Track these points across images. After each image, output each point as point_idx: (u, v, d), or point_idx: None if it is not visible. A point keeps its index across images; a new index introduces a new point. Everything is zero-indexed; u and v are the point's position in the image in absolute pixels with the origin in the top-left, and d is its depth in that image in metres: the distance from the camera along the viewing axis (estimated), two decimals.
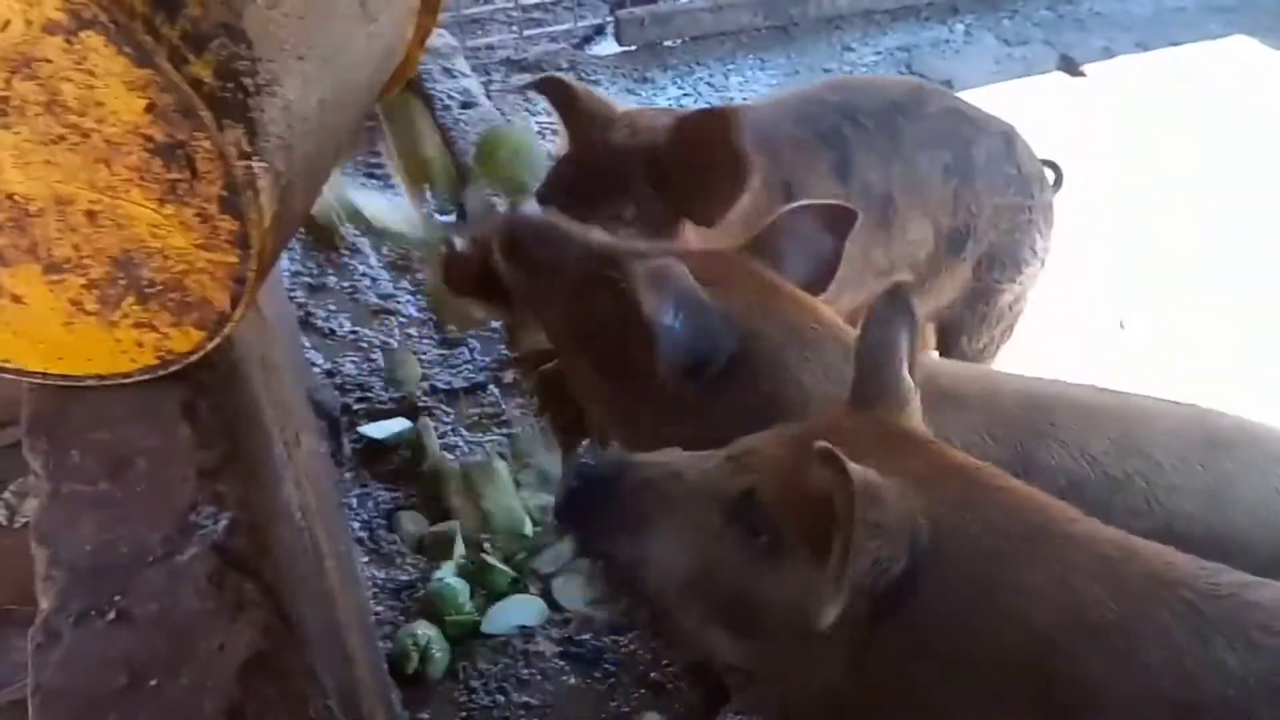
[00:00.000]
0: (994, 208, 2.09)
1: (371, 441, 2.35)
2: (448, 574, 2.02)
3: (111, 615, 0.85)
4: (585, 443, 1.19)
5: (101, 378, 1.00)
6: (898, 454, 0.94)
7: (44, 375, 1.01)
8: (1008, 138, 2.12)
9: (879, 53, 4.10)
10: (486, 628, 1.94)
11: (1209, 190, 3.33)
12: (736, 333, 1.30)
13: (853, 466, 0.89)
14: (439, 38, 3.69)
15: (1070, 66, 3.97)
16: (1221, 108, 3.71)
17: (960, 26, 4.26)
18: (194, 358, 0.99)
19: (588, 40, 4.16)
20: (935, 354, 2.40)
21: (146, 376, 1.00)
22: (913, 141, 2.05)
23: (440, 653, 1.90)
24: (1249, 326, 2.84)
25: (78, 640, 0.84)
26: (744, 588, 0.99)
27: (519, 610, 1.97)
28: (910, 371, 1.09)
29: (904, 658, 0.92)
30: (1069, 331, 2.79)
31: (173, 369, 0.99)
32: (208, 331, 0.97)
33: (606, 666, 1.92)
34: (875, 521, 0.87)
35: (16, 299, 0.95)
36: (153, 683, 0.80)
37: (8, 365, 1.00)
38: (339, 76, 1.00)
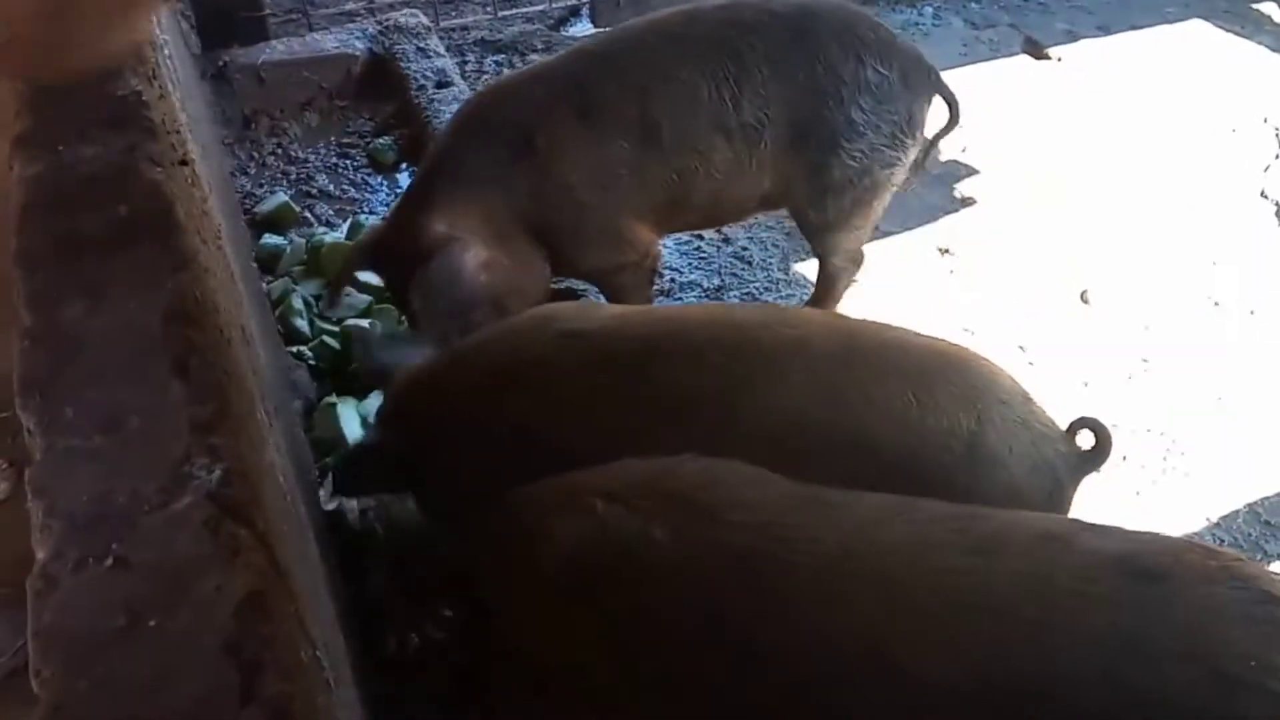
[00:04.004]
0: (786, 100, 2.22)
1: None
2: None
3: (109, 562, 0.88)
4: None
5: None
6: None
7: None
8: (796, 31, 2.23)
9: None
10: None
11: (1165, 167, 3.42)
12: None
13: None
14: (413, 17, 3.69)
15: (1035, 49, 4.04)
16: (1178, 89, 3.81)
17: (929, 10, 4.32)
18: None
19: (563, 21, 4.15)
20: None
21: None
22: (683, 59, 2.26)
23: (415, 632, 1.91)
24: (1207, 299, 2.93)
25: (76, 585, 0.86)
26: None
27: None
28: None
29: None
30: (1032, 305, 2.86)
31: None
32: None
33: None
34: None
35: None
36: (151, 623, 0.82)
37: None
38: None
